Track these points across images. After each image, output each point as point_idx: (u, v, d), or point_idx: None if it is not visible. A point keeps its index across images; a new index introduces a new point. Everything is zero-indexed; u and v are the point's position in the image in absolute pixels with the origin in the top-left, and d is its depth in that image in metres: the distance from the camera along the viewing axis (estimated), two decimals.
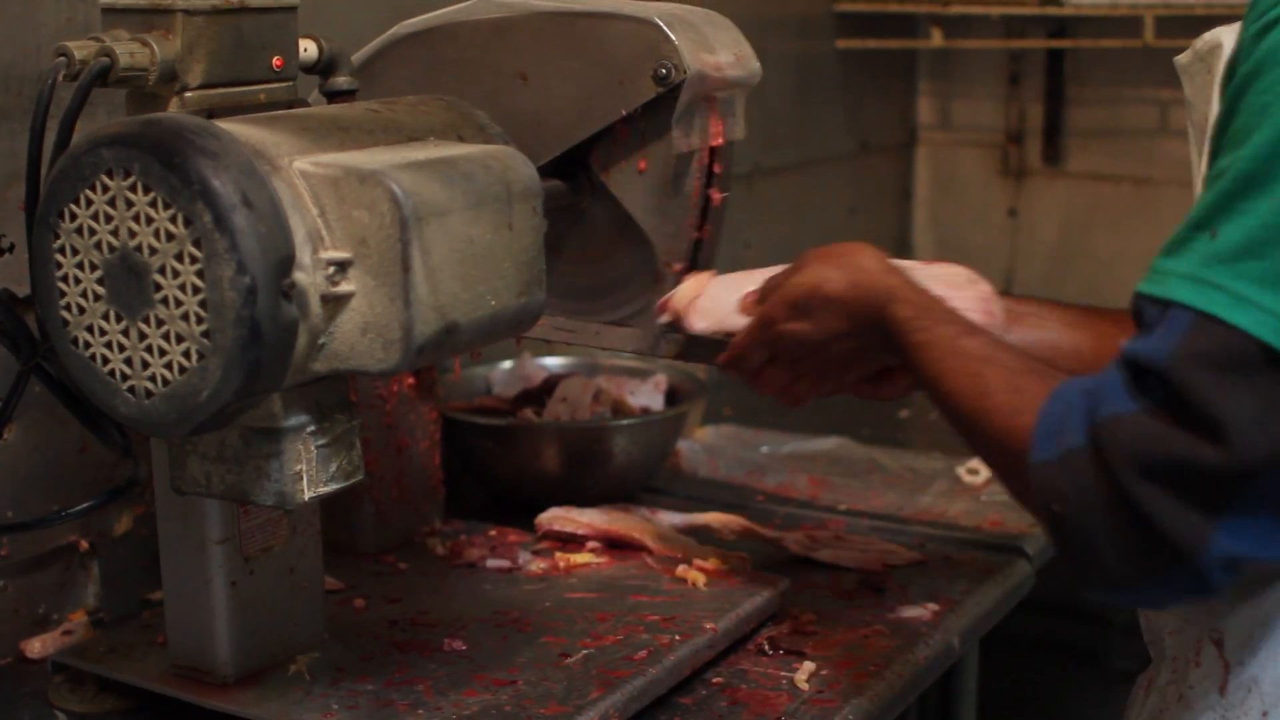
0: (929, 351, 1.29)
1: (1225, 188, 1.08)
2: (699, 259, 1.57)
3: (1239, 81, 1.09)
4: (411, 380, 1.83)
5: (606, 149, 1.53)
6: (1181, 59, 1.29)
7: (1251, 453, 1.04)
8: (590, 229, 1.59)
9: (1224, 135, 1.11)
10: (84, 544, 1.66)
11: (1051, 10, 2.99)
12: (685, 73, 1.45)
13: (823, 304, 1.39)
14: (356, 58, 1.51)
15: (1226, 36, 1.19)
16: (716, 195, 1.56)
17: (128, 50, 1.29)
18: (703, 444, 2.29)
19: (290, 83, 1.39)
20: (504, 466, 1.97)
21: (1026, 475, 1.15)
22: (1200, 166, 1.20)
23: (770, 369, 1.47)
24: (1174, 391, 1.06)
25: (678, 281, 1.54)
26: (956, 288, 1.44)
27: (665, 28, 1.46)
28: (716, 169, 1.55)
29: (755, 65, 1.54)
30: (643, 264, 1.58)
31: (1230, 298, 1.06)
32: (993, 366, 1.24)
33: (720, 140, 1.53)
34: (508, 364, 2.17)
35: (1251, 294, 1.05)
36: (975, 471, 2.14)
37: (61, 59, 1.28)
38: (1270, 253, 1.05)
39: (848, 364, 1.44)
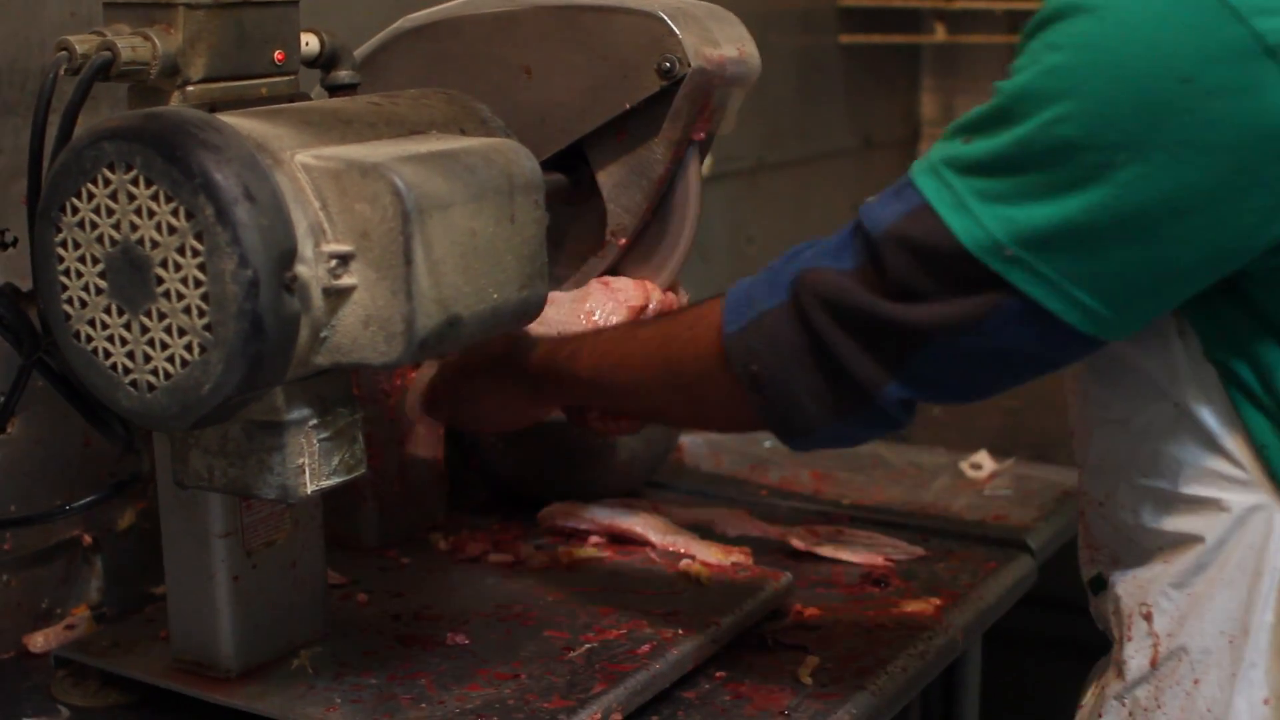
0: (579, 361, 1.45)
1: (987, 111, 1.16)
2: (642, 242, 1.60)
3: (1030, 26, 1.17)
4: (414, 375, 1.83)
5: None
6: None
7: (928, 321, 1.18)
8: (593, 222, 1.59)
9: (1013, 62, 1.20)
10: (87, 538, 1.66)
11: None
12: (689, 66, 1.45)
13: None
14: (359, 52, 1.52)
15: None
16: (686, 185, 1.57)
17: (129, 44, 1.29)
18: (706, 439, 2.28)
19: (292, 76, 1.39)
20: (507, 461, 1.97)
21: (720, 357, 1.28)
22: None
23: None
24: (877, 258, 1.19)
25: (613, 256, 1.59)
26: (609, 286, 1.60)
27: (670, 21, 1.46)
28: (690, 161, 1.56)
29: (756, 61, 1.54)
30: (641, 255, 1.59)
31: (954, 199, 1.16)
32: (643, 327, 1.44)
33: (702, 136, 1.53)
34: None
35: (971, 203, 1.15)
36: (978, 466, 2.14)
37: (63, 53, 1.28)
38: (998, 175, 1.14)
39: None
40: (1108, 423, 1.30)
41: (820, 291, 1.22)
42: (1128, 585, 1.31)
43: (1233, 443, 1.23)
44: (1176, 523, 1.27)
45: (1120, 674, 1.32)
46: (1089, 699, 1.39)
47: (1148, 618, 1.29)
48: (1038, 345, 1.19)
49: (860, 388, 1.22)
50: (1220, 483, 1.24)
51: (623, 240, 1.57)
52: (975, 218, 1.15)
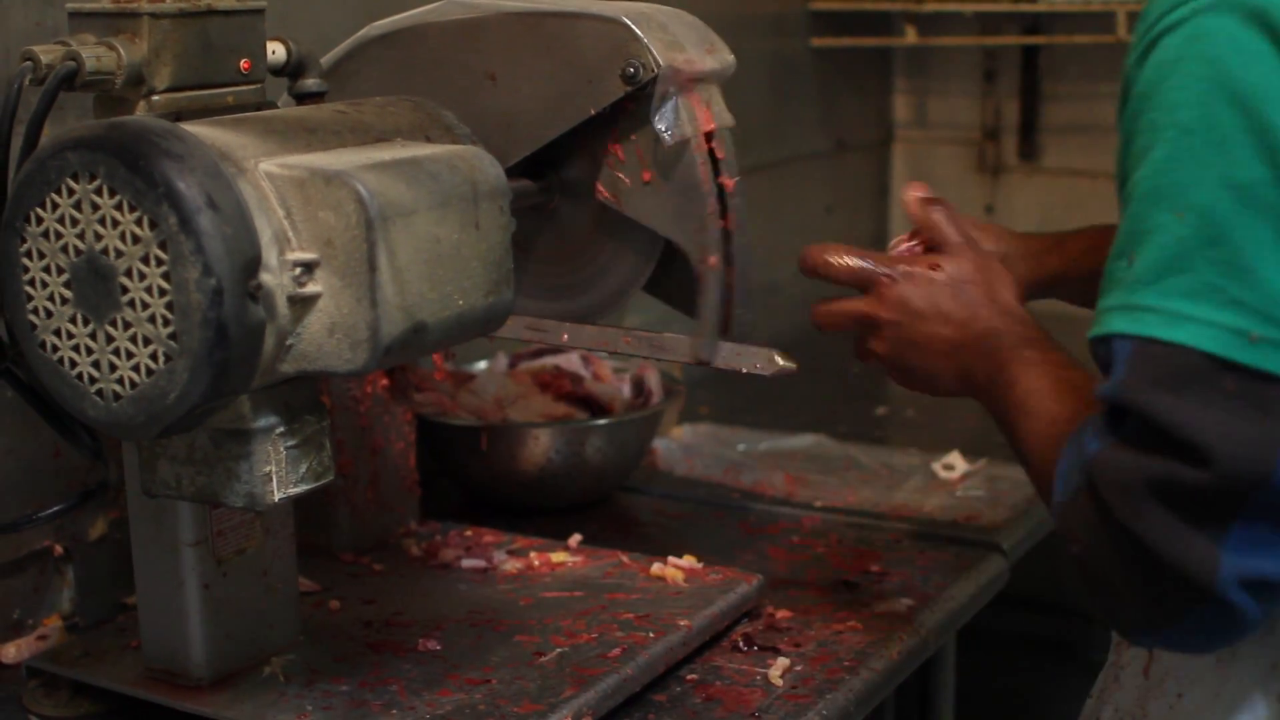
0: (1015, 372, 1.30)
1: (1134, 210, 1.09)
2: (731, 250, 1.50)
3: (1135, 104, 1.11)
4: (385, 382, 1.83)
5: (610, 174, 1.50)
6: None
7: (1234, 465, 1.04)
8: (562, 227, 1.59)
9: (1127, 159, 1.13)
10: (58, 548, 1.66)
11: (1025, 7, 3.00)
12: (654, 70, 1.45)
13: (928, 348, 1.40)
14: (326, 60, 1.51)
15: None
16: (729, 182, 1.50)
17: (94, 54, 1.29)
18: (680, 442, 2.29)
19: (258, 85, 1.39)
20: (479, 468, 1.98)
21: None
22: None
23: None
24: (1141, 420, 1.07)
25: (719, 279, 1.48)
26: None
27: (633, 26, 1.46)
28: (719, 154, 1.50)
29: (729, 57, 1.53)
30: (617, 259, 1.59)
31: (1163, 317, 1.07)
32: (1061, 395, 1.25)
33: (713, 125, 1.50)
34: (483, 364, 2.17)
35: (1183, 309, 1.06)
36: (951, 467, 2.15)
37: (28, 63, 1.28)
38: (1190, 265, 1.06)
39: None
40: None
41: (1110, 476, 1.08)
42: None
43: None
44: None
45: (1118, 680, 1.32)
46: (1093, 698, 1.38)
47: None
48: None
49: (1186, 573, 1.06)
50: None
51: (713, 260, 1.48)
52: (1196, 319, 1.05)
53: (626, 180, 1.50)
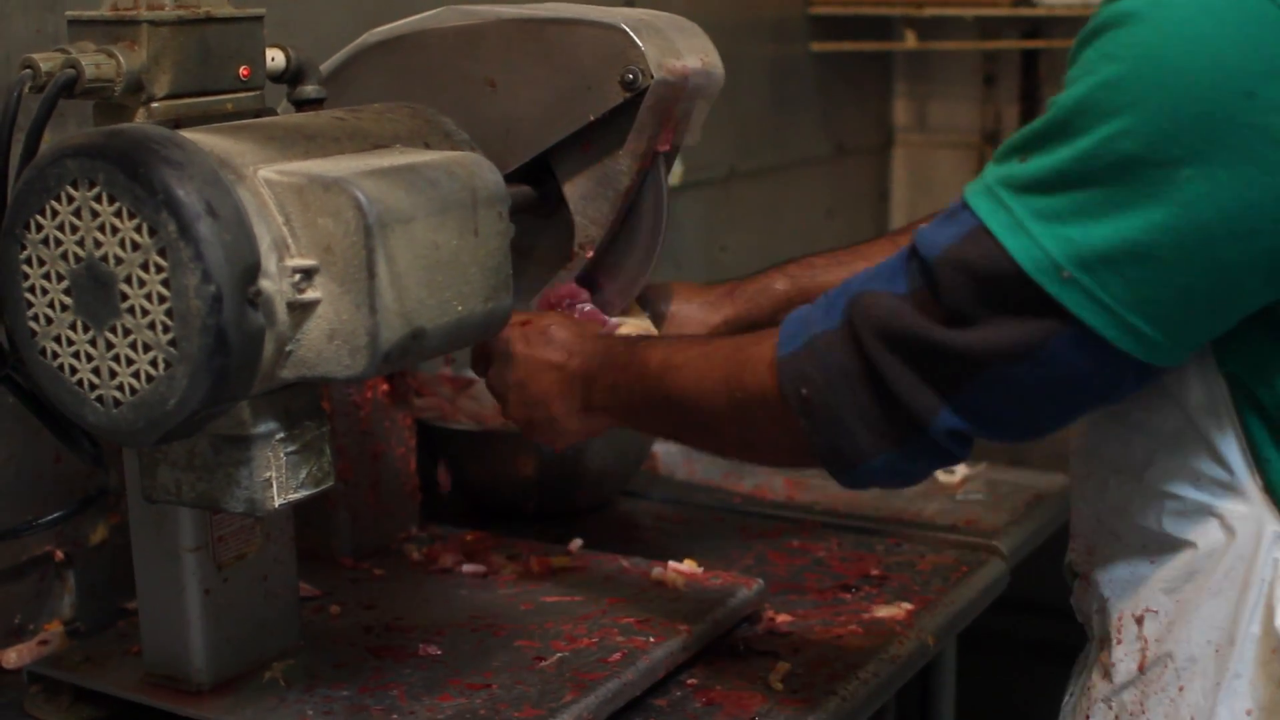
0: (644, 356, 1.41)
1: (1042, 126, 1.15)
2: (613, 252, 1.60)
3: (1083, 35, 1.15)
4: (385, 387, 1.84)
5: None
6: None
7: (982, 347, 1.15)
8: (561, 233, 1.60)
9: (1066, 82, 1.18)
10: (59, 554, 1.66)
11: (1024, 11, 3.00)
12: (651, 78, 1.45)
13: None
14: (325, 66, 1.52)
15: None
16: (644, 201, 1.57)
17: (93, 62, 1.29)
18: (680, 447, 2.29)
19: (257, 92, 1.40)
20: (480, 473, 1.98)
21: (774, 379, 1.26)
22: None
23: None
24: (933, 282, 1.17)
25: (581, 264, 1.59)
26: None
27: (632, 33, 1.46)
28: (656, 172, 1.56)
29: (720, 73, 1.55)
30: (616, 265, 1.59)
31: (1011, 221, 1.14)
32: (715, 339, 1.41)
33: (667, 147, 1.54)
34: None
35: (1028, 223, 1.13)
36: (950, 471, 2.15)
37: (28, 71, 1.29)
38: (1056, 192, 1.13)
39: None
40: (1107, 412, 1.28)
41: (873, 315, 1.19)
42: (1117, 586, 1.31)
43: (1233, 453, 1.22)
44: (1168, 525, 1.26)
45: (1108, 676, 1.32)
46: (1074, 696, 1.39)
47: (1139, 621, 1.29)
48: (1093, 374, 1.16)
49: (912, 415, 1.19)
50: (1216, 490, 1.23)
51: (590, 252, 1.57)
52: (1033, 238, 1.12)
53: (571, 139, 1.53)
